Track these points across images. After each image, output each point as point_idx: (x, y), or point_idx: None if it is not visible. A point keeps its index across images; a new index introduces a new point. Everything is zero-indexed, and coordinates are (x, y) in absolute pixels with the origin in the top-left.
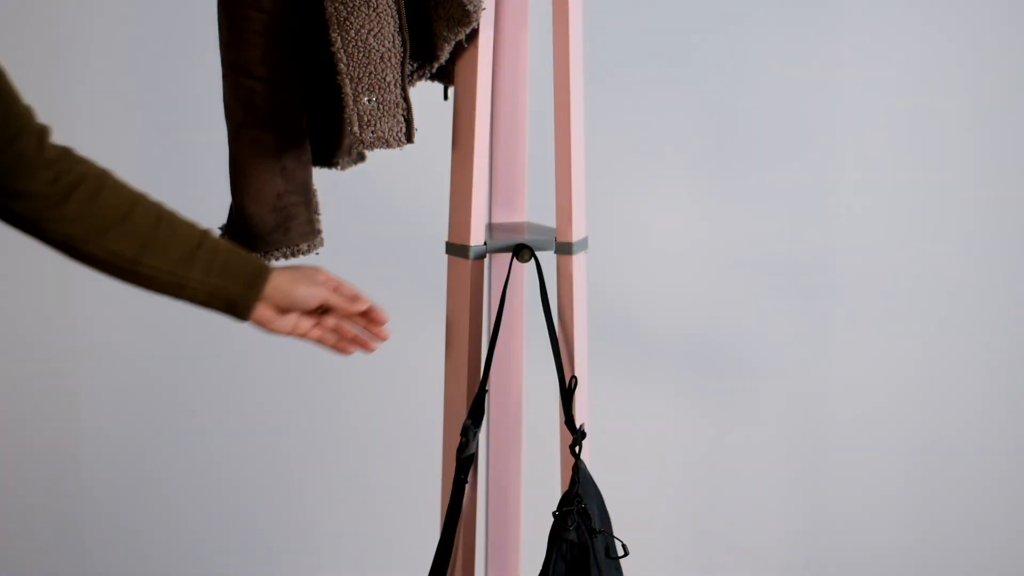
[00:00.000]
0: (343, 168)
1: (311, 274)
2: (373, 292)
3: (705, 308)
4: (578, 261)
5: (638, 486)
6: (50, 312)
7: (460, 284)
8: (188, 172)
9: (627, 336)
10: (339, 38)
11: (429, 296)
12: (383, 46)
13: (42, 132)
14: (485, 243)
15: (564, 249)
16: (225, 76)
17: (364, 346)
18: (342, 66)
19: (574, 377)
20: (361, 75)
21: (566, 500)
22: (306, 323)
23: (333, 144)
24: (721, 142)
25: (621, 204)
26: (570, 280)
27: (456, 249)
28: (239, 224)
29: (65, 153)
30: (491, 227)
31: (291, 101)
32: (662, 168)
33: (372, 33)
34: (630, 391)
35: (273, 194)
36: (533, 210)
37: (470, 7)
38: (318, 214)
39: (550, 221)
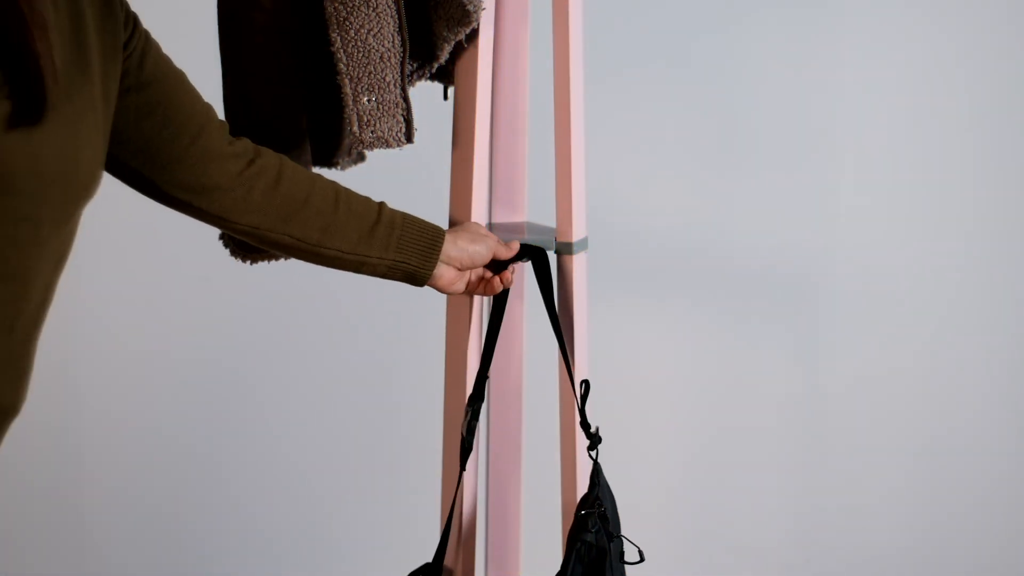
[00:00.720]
0: (343, 168)
1: (475, 229)
2: (374, 292)
3: (704, 308)
4: (578, 261)
5: (638, 485)
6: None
7: None
8: None
9: (626, 335)
10: (339, 38)
11: (429, 295)
12: (383, 46)
13: (223, 127)
14: None
15: (564, 249)
16: (225, 75)
17: (505, 281)
18: (342, 66)
19: (585, 381)
20: (361, 75)
21: (587, 502)
22: (474, 281)
23: (333, 144)
24: (721, 142)
25: (621, 204)
26: (570, 280)
27: None
28: None
29: (245, 144)
30: (491, 227)
31: (291, 101)
32: (662, 168)
33: (372, 33)
34: (630, 389)
35: None
36: (533, 210)
37: (470, 7)
38: None
39: (550, 221)
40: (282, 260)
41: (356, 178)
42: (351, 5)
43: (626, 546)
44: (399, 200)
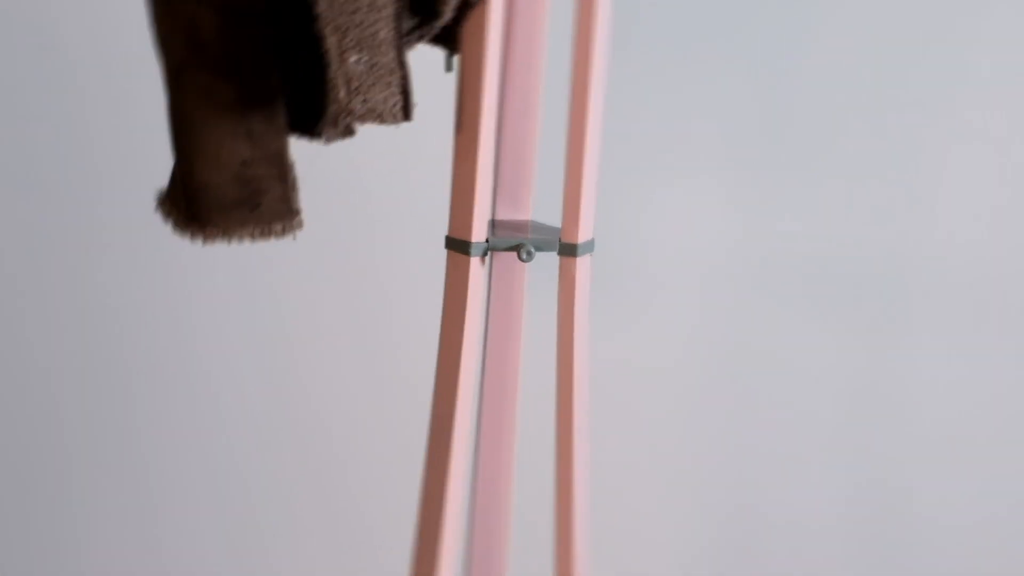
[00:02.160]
0: (328, 141)
1: None
2: (372, 288)
3: (714, 314)
4: (582, 263)
5: (639, 491)
6: (47, 309)
7: (459, 281)
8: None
9: (638, 341)
10: None
11: (427, 292)
12: None
13: None
14: (487, 240)
15: (568, 251)
16: None
17: None
18: (322, 6)
19: None
20: (348, 25)
21: None
22: None
23: (315, 110)
24: (764, 136)
25: (631, 204)
26: (572, 283)
27: (456, 244)
28: (188, 192)
29: None
30: (492, 225)
31: (254, 41)
32: (677, 165)
33: None
34: (639, 393)
35: (236, 161)
36: (538, 205)
37: None
38: (296, 191)
39: (555, 219)
40: (250, 241)
41: (348, 165)
42: None
43: None
44: (392, 192)
